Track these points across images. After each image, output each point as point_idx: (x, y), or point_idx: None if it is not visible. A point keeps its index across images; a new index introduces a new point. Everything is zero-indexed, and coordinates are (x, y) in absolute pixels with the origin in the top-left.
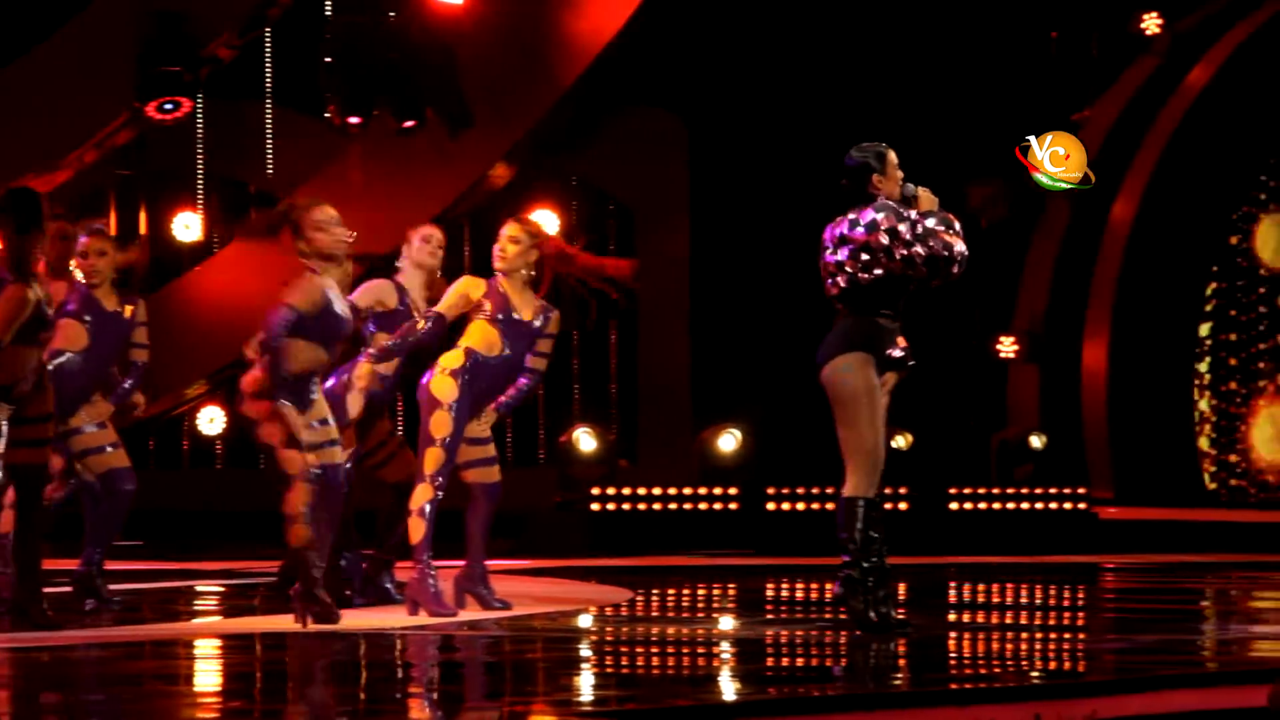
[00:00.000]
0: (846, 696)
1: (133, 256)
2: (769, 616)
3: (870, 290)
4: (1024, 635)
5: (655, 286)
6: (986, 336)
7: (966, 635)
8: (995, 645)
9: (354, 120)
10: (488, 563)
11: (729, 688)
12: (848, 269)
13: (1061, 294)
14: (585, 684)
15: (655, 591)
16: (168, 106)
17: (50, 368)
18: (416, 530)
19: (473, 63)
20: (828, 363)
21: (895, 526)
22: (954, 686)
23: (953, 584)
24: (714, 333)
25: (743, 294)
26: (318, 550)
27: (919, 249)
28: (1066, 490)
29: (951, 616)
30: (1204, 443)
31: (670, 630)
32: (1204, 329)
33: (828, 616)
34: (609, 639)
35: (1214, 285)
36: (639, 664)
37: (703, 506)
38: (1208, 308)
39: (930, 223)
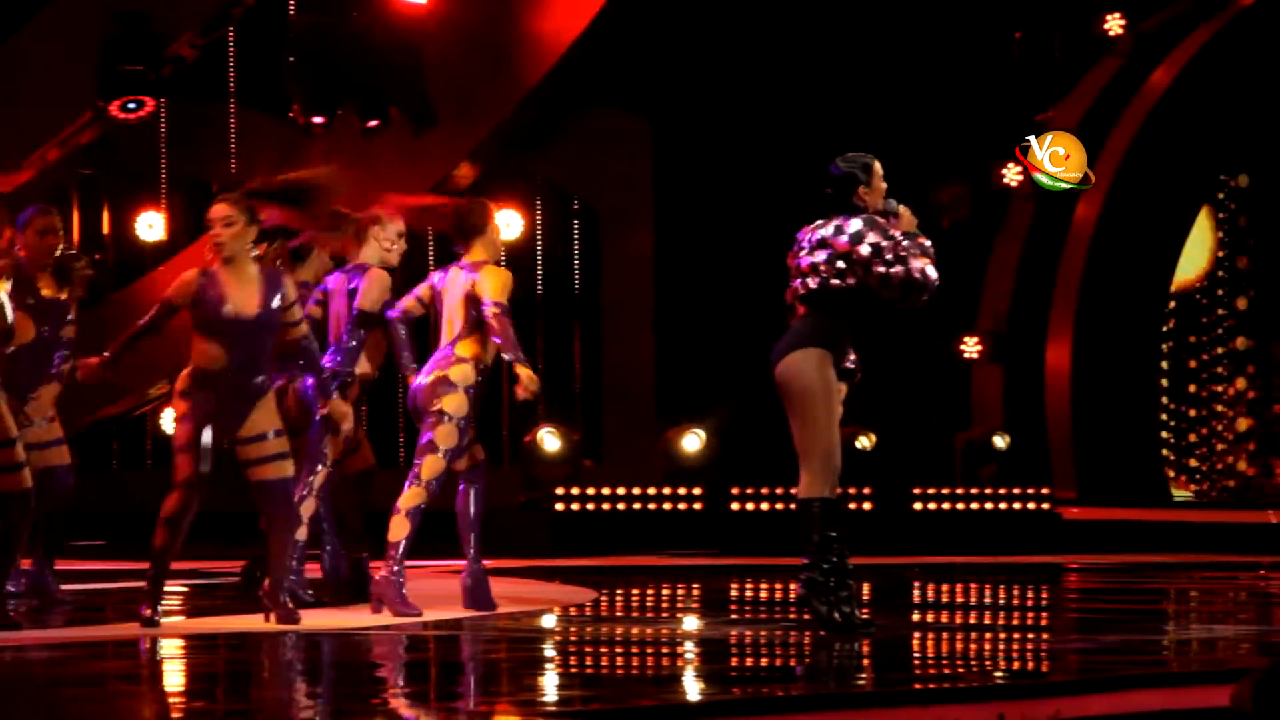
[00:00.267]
0: (810, 697)
1: (89, 274)
2: (733, 616)
3: (837, 297)
4: (988, 635)
5: (619, 286)
6: (950, 337)
7: (930, 635)
8: (959, 645)
9: (318, 120)
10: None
11: (693, 688)
12: (822, 272)
13: (1025, 294)
14: (550, 684)
15: (620, 592)
16: (131, 106)
17: None
18: (400, 530)
19: (437, 62)
20: (783, 359)
21: (859, 526)
22: (918, 687)
23: (916, 584)
24: (678, 333)
25: (707, 294)
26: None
27: (898, 269)
28: (1030, 490)
29: (915, 616)
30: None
31: (635, 630)
32: (1167, 330)
33: (792, 617)
34: (573, 639)
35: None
36: (603, 664)
37: (667, 507)
38: (1170, 308)
39: (906, 244)
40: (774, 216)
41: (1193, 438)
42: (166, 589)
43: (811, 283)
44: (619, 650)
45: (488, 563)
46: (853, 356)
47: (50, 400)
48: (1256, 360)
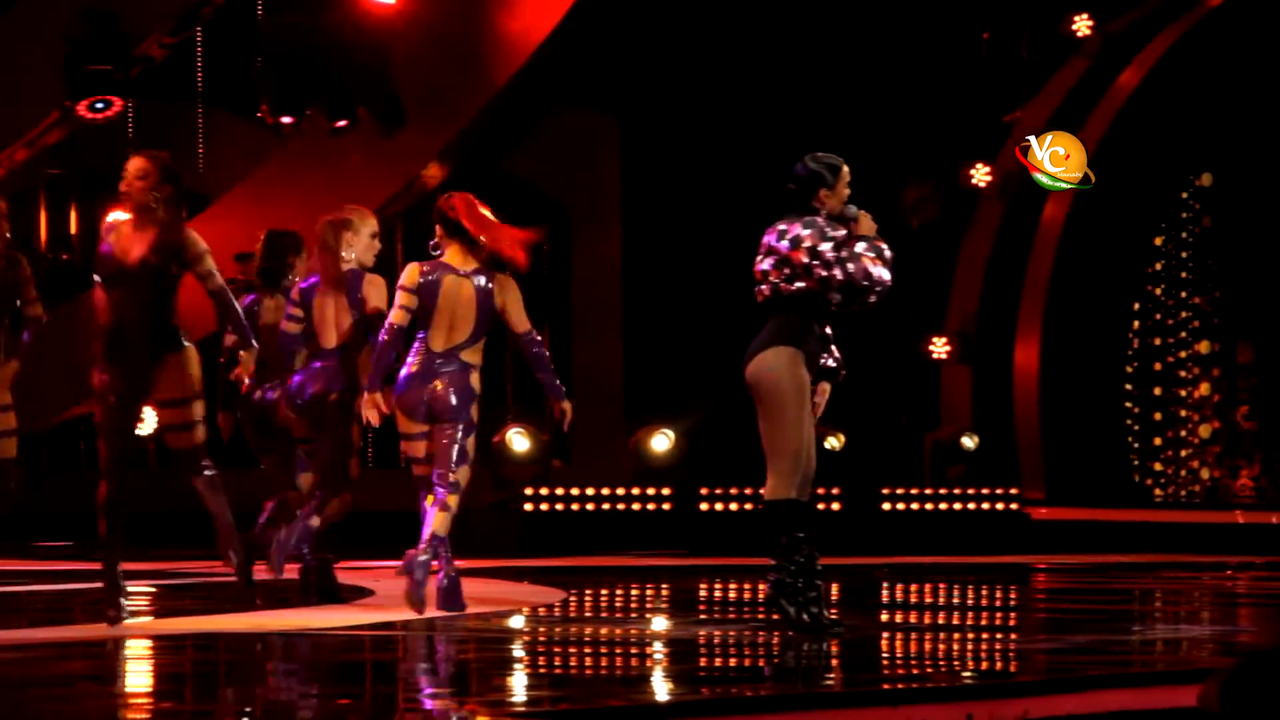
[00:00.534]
0: (779, 697)
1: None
2: (702, 617)
3: (793, 300)
4: (956, 635)
5: (588, 286)
6: (919, 337)
7: (899, 636)
8: (928, 645)
9: (286, 120)
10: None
11: (662, 688)
12: (772, 279)
13: (993, 295)
14: (518, 684)
15: (589, 592)
16: (99, 105)
17: None
18: (445, 525)
19: (406, 62)
20: (753, 359)
21: (827, 527)
22: (886, 687)
23: (885, 584)
24: (647, 333)
25: (676, 294)
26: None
27: (837, 272)
28: (999, 490)
29: (884, 617)
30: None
31: (603, 631)
32: (1133, 330)
33: (760, 617)
34: (542, 639)
35: (1146, 287)
36: (572, 664)
37: (636, 507)
38: (1136, 308)
39: (860, 247)
40: (743, 217)
41: (1158, 441)
42: (135, 589)
43: (766, 290)
44: (588, 650)
45: (457, 563)
46: (837, 354)
47: (7, 382)
48: (1221, 363)
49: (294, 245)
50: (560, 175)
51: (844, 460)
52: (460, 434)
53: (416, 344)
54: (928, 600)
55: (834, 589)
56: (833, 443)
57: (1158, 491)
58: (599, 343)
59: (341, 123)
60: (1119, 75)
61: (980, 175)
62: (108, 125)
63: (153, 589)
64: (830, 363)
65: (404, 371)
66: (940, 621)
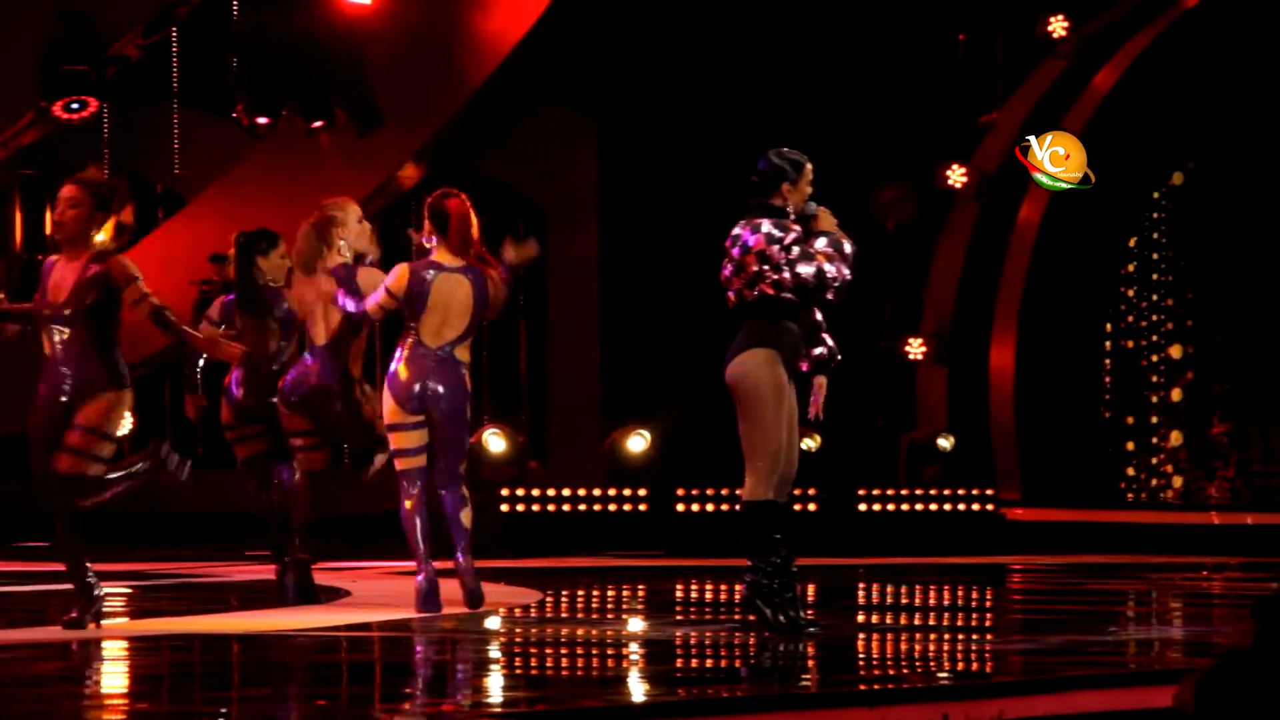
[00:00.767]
0: (755, 698)
1: None
2: (678, 618)
3: (759, 306)
4: (932, 636)
5: (565, 287)
6: (894, 338)
7: (875, 636)
8: (904, 646)
9: (262, 120)
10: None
11: (638, 689)
12: (735, 285)
13: (969, 296)
14: (495, 685)
15: (565, 592)
16: (74, 106)
17: None
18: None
19: (381, 62)
20: (732, 361)
21: (804, 527)
22: (862, 687)
23: (861, 585)
24: (624, 334)
25: (652, 295)
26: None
27: (786, 275)
28: (974, 491)
29: (860, 617)
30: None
31: (580, 631)
32: (1107, 332)
33: (737, 618)
34: (519, 640)
35: (1121, 288)
36: (549, 665)
37: (612, 508)
38: (1110, 310)
39: (820, 243)
40: (720, 218)
41: (1130, 446)
42: (112, 590)
43: (731, 295)
44: (565, 651)
45: (433, 563)
46: (829, 342)
47: None
48: (1194, 366)
49: (261, 247)
50: (537, 175)
51: (820, 461)
52: (464, 432)
53: (408, 337)
54: (904, 601)
55: (810, 590)
56: (808, 443)
57: (1130, 496)
58: (576, 343)
59: (317, 123)
60: (1094, 76)
61: (956, 176)
62: (83, 125)
63: (128, 590)
64: (821, 351)
65: (394, 364)
66: (916, 622)
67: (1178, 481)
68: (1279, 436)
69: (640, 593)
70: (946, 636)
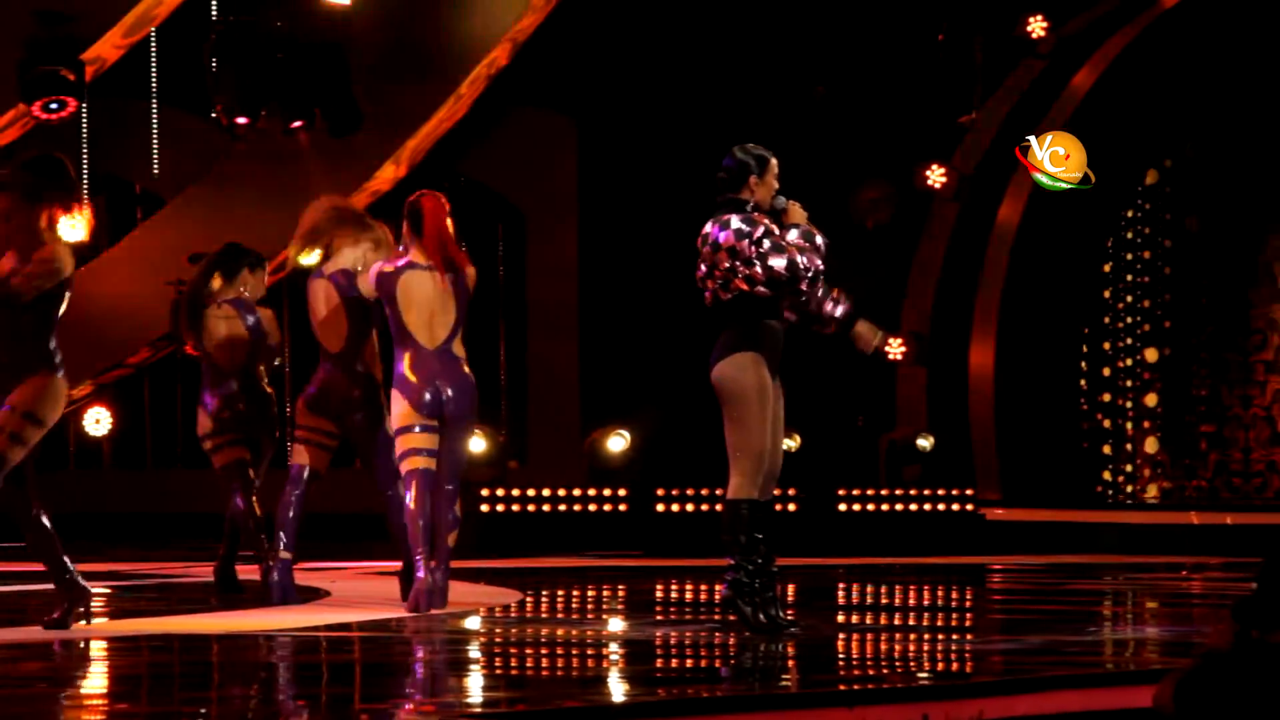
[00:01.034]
0: (735, 698)
1: None
2: (658, 618)
3: (738, 305)
4: (912, 636)
5: (544, 287)
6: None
7: (855, 636)
8: (884, 646)
9: (241, 120)
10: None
11: (618, 689)
12: (710, 285)
13: (948, 296)
14: (475, 685)
15: (545, 593)
16: (53, 106)
17: None
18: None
19: (361, 63)
20: (717, 364)
21: (784, 528)
22: (842, 687)
23: (841, 585)
24: (603, 334)
25: (632, 296)
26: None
27: (758, 268)
28: (954, 491)
29: (840, 618)
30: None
31: (560, 631)
32: (1084, 334)
33: (717, 618)
34: (499, 640)
35: (1098, 289)
36: (529, 665)
37: (592, 508)
38: (1089, 310)
39: (792, 235)
40: (700, 218)
41: (1107, 449)
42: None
43: (708, 295)
44: (544, 651)
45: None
46: (834, 294)
47: None
48: (1172, 367)
49: (252, 260)
50: (517, 176)
51: (800, 461)
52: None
53: (405, 341)
54: (884, 601)
55: (790, 590)
56: (788, 443)
57: (1109, 496)
58: (555, 343)
59: (297, 124)
60: (1073, 77)
61: (935, 176)
62: (62, 125)
63: (108, 590)
64: (840, 310)
65: (400, 368)
66: (896, 622)
67: (1155, 484)
68: (1256, 437)
69: (620, 593)
70: (926, 636)
